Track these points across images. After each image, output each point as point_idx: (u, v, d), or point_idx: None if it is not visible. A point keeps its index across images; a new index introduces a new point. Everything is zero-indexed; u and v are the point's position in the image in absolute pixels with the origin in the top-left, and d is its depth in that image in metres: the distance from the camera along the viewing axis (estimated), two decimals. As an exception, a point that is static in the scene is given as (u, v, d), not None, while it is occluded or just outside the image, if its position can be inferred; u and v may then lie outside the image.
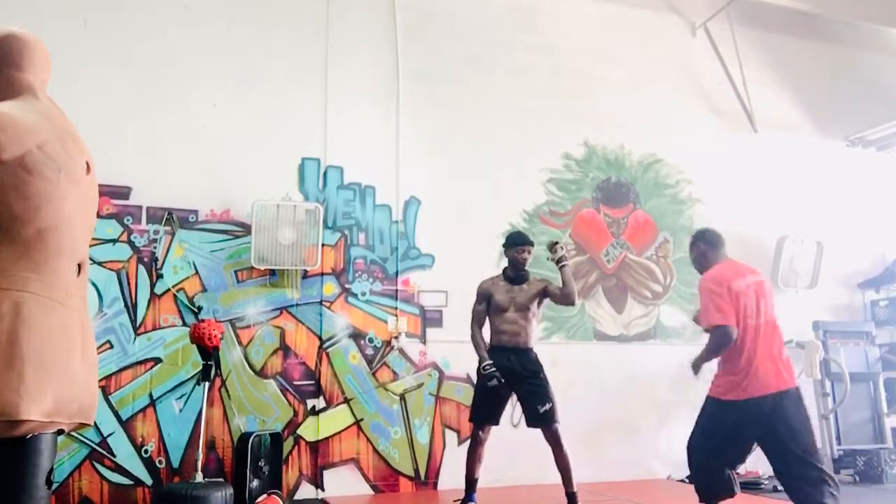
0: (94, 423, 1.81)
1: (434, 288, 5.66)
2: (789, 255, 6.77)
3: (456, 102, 6.02)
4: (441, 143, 5.93)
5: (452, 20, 6.19)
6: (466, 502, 4.37)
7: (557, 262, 4.44)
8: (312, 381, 5.26)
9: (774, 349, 3.48)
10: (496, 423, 4.41)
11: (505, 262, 4.61)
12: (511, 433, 5.26)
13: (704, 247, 3.73)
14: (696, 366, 3.63)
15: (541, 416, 4.27)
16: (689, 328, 5.94)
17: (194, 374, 4.89)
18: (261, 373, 5.15)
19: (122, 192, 5.05)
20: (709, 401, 3.59)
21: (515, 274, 4.50)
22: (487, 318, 4.52)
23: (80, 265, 1.74)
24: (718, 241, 3.75)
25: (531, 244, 4.53)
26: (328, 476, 5.16)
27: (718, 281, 3.52)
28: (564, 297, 4.47)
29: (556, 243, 4.47)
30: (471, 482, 4.39)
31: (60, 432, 1.65)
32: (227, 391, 5.04)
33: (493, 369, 4.28)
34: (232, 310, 5.16)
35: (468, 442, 4.52)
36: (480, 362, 4.36)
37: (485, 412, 4.39)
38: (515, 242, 4.52)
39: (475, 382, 4.52)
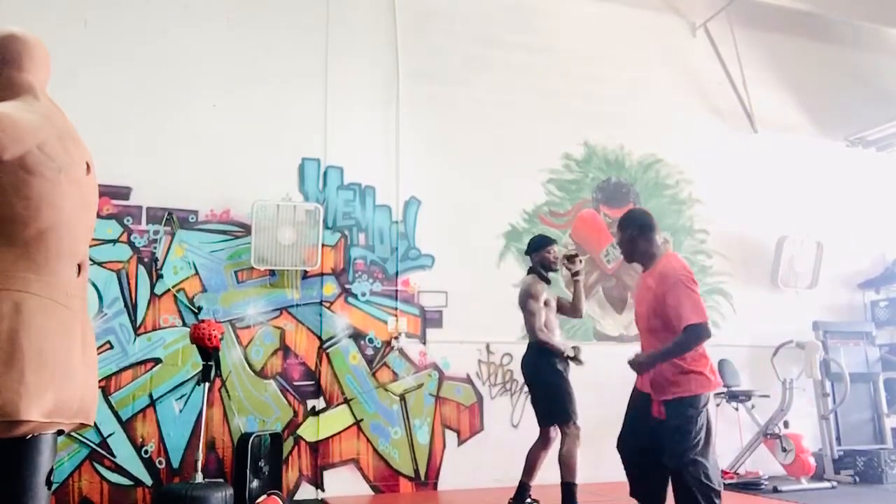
0: (94, 423, 1.81)
1: (434, 288, 5.66)
2: (789, 255, 6.77)
3: (456, 102, 6.02)
4: (441, 143, 5.92)
5: (452, 20, 6.19)
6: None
7: (574, 274, 4.44)
8: (312, 382, 5.26)
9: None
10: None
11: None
12: (511, 433, 5.27)
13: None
14: None
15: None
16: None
17: (194, 375, 4.90)
18: (261, 373, 5.15)
19: (122, 193, 5.05)
20: None
21: (547, 274, 4.48)
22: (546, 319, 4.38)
23: (80, 266, 1.73)
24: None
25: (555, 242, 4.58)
26: (328, 476, 5.16)
27: None
28: (574, 311, 4.57)
29: (576, 256, 4.45)
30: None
31: (60, 432, 1.65)
32: (227, 391, 5.04)
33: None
34: (232, 310, 5.16)
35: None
36: (564, 351, 4.24)
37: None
38: (545, 244, 4.48)
39: (554, 378, 4.27)
